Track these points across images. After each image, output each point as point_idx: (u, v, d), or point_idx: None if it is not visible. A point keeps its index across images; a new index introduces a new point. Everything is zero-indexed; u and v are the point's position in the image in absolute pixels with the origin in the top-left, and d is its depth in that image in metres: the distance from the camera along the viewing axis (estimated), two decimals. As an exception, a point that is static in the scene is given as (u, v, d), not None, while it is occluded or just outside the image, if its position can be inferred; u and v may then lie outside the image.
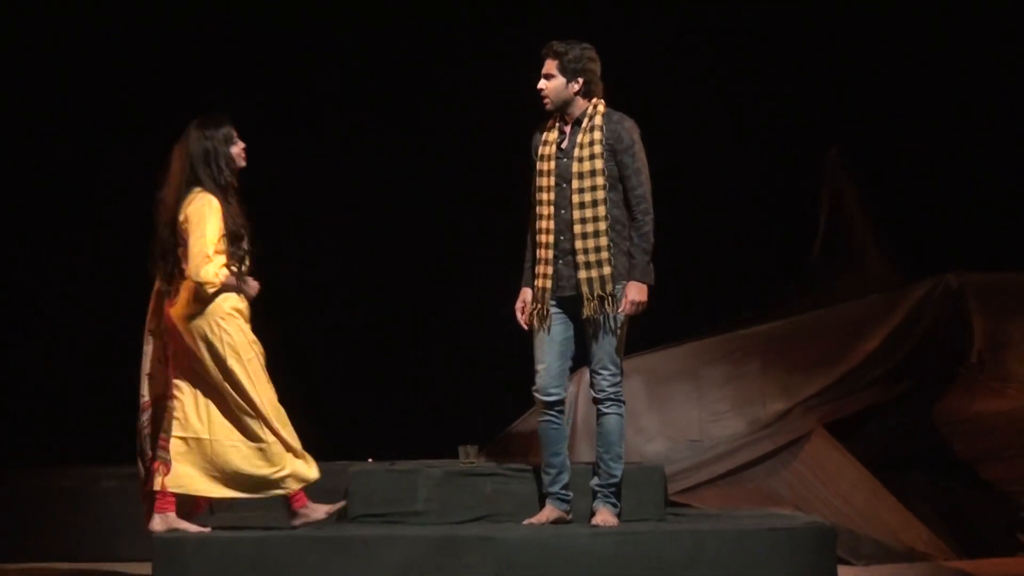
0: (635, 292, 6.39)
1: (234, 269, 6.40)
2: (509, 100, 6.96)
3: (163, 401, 6.59)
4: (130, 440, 8.99)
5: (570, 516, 6.60)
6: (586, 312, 6.42)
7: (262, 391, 6.43)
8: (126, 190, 9.49)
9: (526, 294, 6.61)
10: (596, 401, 6.55)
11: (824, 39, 9.64)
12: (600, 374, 6.48)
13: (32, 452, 8.82)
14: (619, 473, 6.52)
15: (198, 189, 6.38)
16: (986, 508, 8.23)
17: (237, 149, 6.47)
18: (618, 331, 6.46)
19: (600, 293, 6.40)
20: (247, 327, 6.47)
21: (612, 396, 6.49)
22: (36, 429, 9.14)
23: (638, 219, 6.42)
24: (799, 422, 8.45)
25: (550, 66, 6.52)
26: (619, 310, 6.39)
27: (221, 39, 9.46)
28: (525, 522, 6.52)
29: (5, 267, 9.37)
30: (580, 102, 6.53)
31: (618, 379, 6.49)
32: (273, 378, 6.59)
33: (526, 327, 6.58)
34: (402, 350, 9.47)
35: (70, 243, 9.51)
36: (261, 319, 6.67)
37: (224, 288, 6.38)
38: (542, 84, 6.53)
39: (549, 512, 6.56)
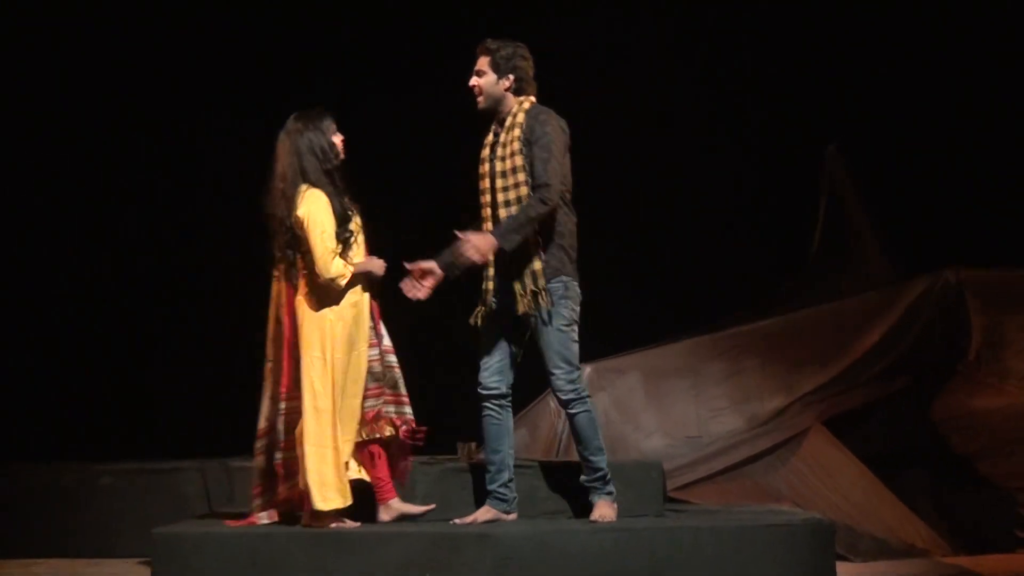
0: (478, 238, 6.27)
1: (351, 256, 6.44)
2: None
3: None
4: (128, 437, 9.07)
5: (511, 516, 6.52)
6: (520, 308, 6.34)
7: (348, 395, 6.40)
8: (127, 189, 9.55)
9: (423, 263, 6.46)
10: (561, 404, 6.50)
11: (823, 38, 9.65)
12: (554, 374, 6.39)
13: (31, 449, 8.82)
14: (603, 464, 6.44)
15: (305, 186, 6.42)
16: (984, 504, 8.24)
17: (337, 140, 6.52)
18: (563, 327, 6.37)
19: (532, 288, 6.33)
20: (364, 322, 6.45)
21: (574, 395, 6.40)
22: (35, 426, 9.14)
23: (532, 196, 6.28)
24: (797, 419, 8.46)
25: (482, 63, 6.48)
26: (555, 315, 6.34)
27: (221, 38, 9.49)
28: (453, 521, 6.47)
29: (5, 265, 9.37)
30: (510, 100, 6.47)
31: (574, 375, 6.40)
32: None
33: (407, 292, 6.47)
34: (400, 347, 9.46)
35: (70, 241, 9.51)
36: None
37: (354, 279, 6.42)
38: (474, 80, 6.50)
39: (483, 512, 6.51)
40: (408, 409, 6.54)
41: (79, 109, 9.49)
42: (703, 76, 9.67)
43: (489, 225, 6.44)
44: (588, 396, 6.45)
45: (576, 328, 6.42)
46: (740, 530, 6.31)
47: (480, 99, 6.50)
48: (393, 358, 6.60)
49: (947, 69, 9.52)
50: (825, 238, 9.58)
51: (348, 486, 6.35)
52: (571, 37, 9.67)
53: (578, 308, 6.44)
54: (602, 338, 8.95)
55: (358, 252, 6.48)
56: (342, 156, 6.53)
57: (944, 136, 9.47)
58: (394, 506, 6.49)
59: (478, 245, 6.24)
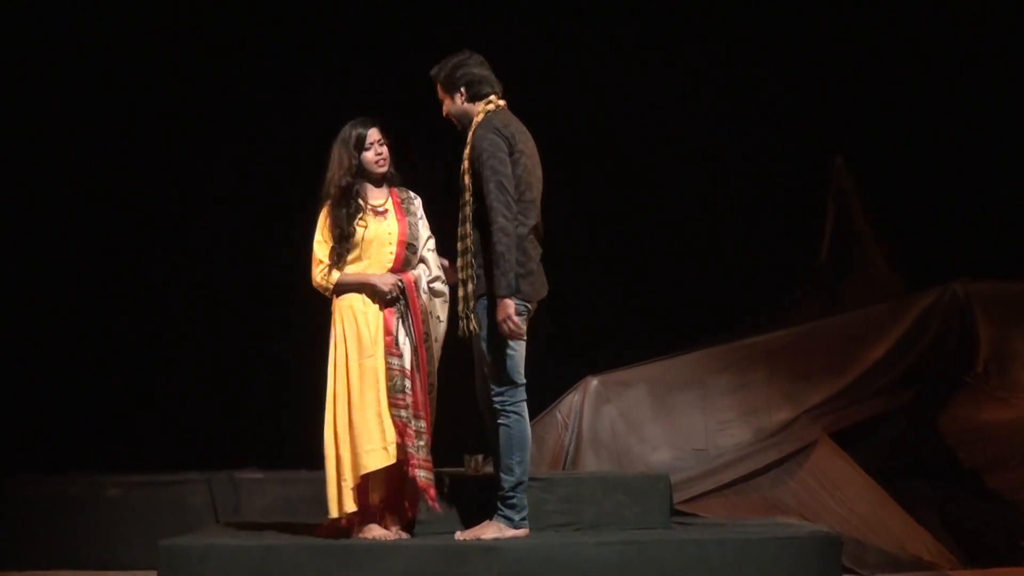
0: (498, 310, 6.23)
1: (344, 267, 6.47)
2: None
3: None
4: (135, 449, 9.07)
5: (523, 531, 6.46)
6: (460, 330, 6.38)
7: (356, 397, 6.36)
8: (137, 197, 9.56)
9: None
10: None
11: (830, 47, 9.64)
12: (489, 387, 6.38)
13: (37, 459, 8.82)
14: (507, 485, 6.34)
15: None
16: (992, 517, 8.21)
17: (370, 155, 6.51)
18: (493, 347, 6.32)
19: (463, 313, 6.35)
20: (377, 331, 6.40)
21: (498, 407, 6.35)
22: (41, 436, 9.14)
23: (491, 231, 6.25)
24: (805, 431, 8.45)
25: (439, 91, 6.53)
26: (482, 329, 6.31)
27: (242, 40, 9.55)
28: (457, 535, 6.44)
29: (13, 274, 9.38)
30: (473, 109, 6.46)
31: (503, 390, 6.32)
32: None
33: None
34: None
35: (79, 250, 9.52)
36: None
37: (344, 288, 6.44)
38: (443, 110, 6.55)
39: (490, 527, 6.45)
40: (430, 476, 6.46)
41: (84, 114, 9.51)
42: (712, 87, 9.67)
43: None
44: (514, 413, 6.35)
45: (506, 342, 6.30)
46: (747, 543, 6.30)
47: (456, 124, 6.53)
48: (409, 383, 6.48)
49: (955, 80, 9.51)
50: (832, 250, 9.57)
51: (348, 498, 6.33)
52: (577, 45, 9.69)
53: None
54: (609, 351, 8.97)
55: (371, 265, 6.48)
56: (376, 170, 6.51)
57: (952, 147, 9.46)
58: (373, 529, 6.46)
59: (499, 318, 6.22)
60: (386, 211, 6.54)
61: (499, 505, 6.38)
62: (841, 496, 8.16)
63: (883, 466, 8.38)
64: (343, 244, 6.45)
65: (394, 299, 6.44)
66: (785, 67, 9.62)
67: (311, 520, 6.78)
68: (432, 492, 6.41)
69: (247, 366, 9.42)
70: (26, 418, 9.22)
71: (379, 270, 6.47)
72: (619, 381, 8.66)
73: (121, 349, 9.49)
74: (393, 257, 6.49)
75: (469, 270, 6.35)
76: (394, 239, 6.50)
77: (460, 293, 6.38)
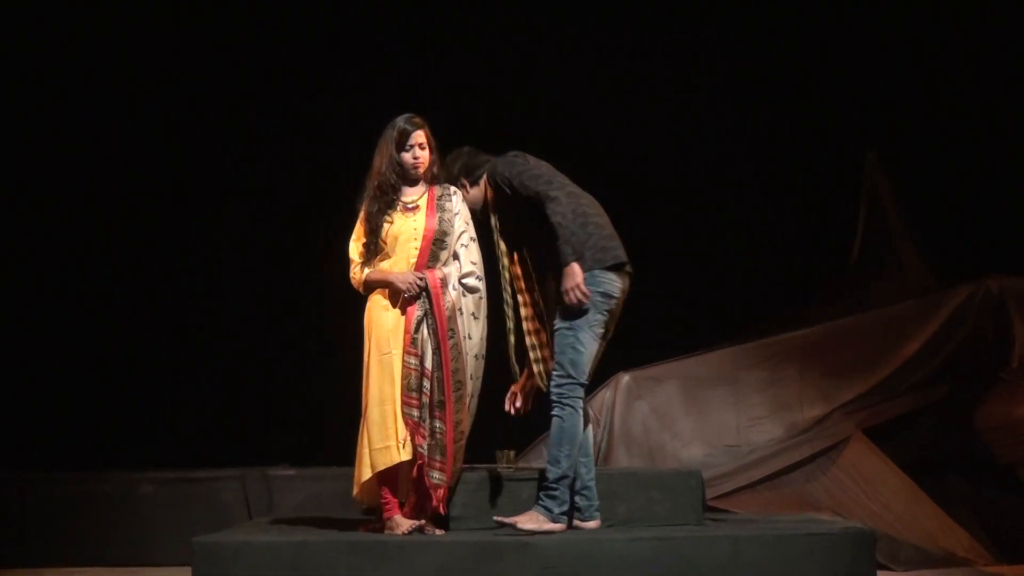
0: (565, 279, 6.35)
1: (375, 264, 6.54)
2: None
3: None
4: (168, 446, 9.11)
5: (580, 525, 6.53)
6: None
7: (373, 393, 6.42)
8: (169, 195, 9.58)
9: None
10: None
11: (863, 41, 9.61)
12: (553, 373, 6.46)
13: (71, 457, 8.87)
14: (552, 476, 6.35)
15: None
16: (1026, 513, 8.19)
17: (408, 156, 6.53)
18: (562, 333, 6.40)
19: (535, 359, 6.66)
20: (399, 327, 6.44)
21: (555, 398, 6.39)
22: (75, 434, 9.19)
23: (544, 214, 6.39)
24: (838, 427, 8.42)
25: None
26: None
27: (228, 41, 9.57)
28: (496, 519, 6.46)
29: (48, 272, 9.43)
30: (482, 185, 6.66)
31: (564, 382, 6.36)
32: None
33: None
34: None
35: (114, 247, 9.57)
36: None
37: (372, 286, 6.52)
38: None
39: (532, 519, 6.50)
40: (443, 477, 6.45)
41: (96, 109, 9.55)
42: (745, 82, 9.65)
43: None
44: (569, 406, 6.37)
45: (576, 337, 6.38)
46: (780, 539, 6.28)
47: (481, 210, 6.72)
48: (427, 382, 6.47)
49: (989, 74, 9.47)
50: (865, 246, 9.53)
51: (368, 488, 6.44)
52: (597, 37, 9.68)
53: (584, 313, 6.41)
54: (640, 347, 8.96)
55: (396, 262, 6.50)
56: (412, 172, 6.53)
57: (985, 142, 9.42)
58: (399, 521, 6.48)
59: (563, 287, 6.35)
60: (417, 207, 6.54)
61: (540, 495, 6.40)
62: (874, 492, 8.14)
63: (917, 462, 8.36)
64: (372, 240, 6.48)
65: (414, 297, 6.45)
66: (817, 62, 9.59)
67: (344, 516, 6.79)
68: (440, 494, 6.42)
69: (280, 363, 9.45)
70: (60, 416, 9.27)
71: (403, 267, 6.48)
72: (651, 377, 8.64)
73: (155, 346, 9.52)
74: (418, 253, 6.50)
75: (533, 323, 6.65)
76: (419, 235, 6.50)
77: (529, 343, 6.61)
